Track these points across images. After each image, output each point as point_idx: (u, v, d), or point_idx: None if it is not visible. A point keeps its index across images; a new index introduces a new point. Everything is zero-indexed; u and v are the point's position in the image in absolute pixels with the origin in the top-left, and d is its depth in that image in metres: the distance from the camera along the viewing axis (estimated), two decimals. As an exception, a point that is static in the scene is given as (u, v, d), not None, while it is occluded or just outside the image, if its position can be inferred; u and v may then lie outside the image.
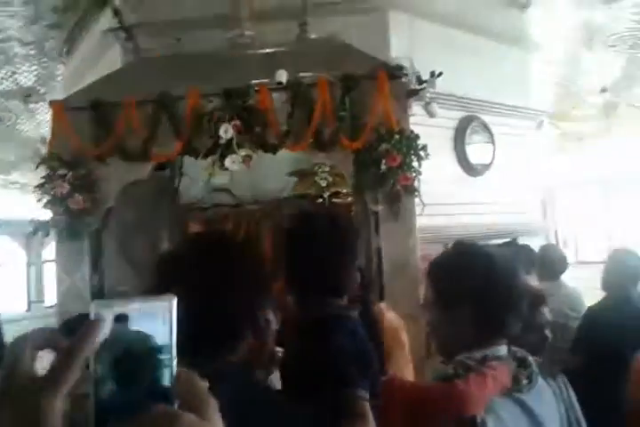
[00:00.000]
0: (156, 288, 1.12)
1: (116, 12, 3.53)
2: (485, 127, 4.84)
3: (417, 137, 3.19)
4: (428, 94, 3.27)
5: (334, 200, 6.29)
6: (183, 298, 0.50)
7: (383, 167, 3.08)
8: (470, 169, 4.65)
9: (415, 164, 3.17)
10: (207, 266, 1.11)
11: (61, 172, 3.45)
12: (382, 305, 2.56)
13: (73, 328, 0.46)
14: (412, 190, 3.14)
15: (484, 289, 1.36)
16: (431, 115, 3.37)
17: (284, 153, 3.27)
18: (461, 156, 4.63)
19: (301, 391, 1.39)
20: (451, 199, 4.26)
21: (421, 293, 2.52)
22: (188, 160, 4.97)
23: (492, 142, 4.85)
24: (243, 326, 1.15)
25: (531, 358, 1.41)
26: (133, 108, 3.29)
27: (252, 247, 1.76)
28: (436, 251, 4.20)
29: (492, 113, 4.94)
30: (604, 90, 7.79)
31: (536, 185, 5.42)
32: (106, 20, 3.94)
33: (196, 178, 5.95)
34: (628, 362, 2.80)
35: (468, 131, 4.69)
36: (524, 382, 1.34)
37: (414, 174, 3.14)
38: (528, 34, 5.73)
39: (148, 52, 3.65)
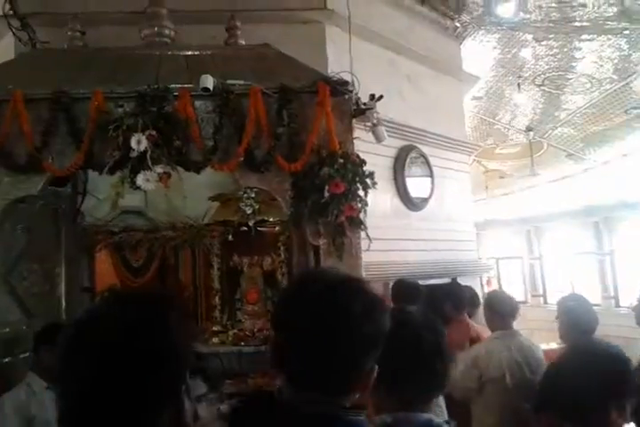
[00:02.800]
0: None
1: (9, -3, 2.92)
2: (424, 158, 4.56)
3: (363, 162, 2.77)
4: (375, 114, 2.88)
5: (260, 229, 5.82)
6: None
7: (326, 195, 2.62)
8: (409, 202, 4.32)
9: (361, 192, 2.74)
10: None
11: None
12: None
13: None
14: (357, 223, 2.69)
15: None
16: (378, 139, 2.97)
17: (207, 173, 2.75)
18: (401, 187, 4.30)
19: None
20: (390, 234, 3.89)
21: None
22: (94, 174, 4.34)
23: (431, 175, 4.56)
24: None
25: None
26: (23, 107, 2.66)
27: None
28: (375, 291, 3.81)
29: (430, 144, 4.68)
30: (529, 129, 7.85)
31: (471, 223, 5.18)
32: (-2, 6, 3.31)
33: (104, 197, 5.40)
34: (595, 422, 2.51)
35: (408, 161, 4.38)
36: None
37: (360, 205, 2.70)
38: (463, 66, 5.59)
39: (46, 44, 3.05)
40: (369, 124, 2.92)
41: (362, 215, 2.71)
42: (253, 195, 5.82)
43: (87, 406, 0.86)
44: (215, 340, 5.70)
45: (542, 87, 6.92)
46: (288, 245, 5.91)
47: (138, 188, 2.70)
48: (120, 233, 5.54)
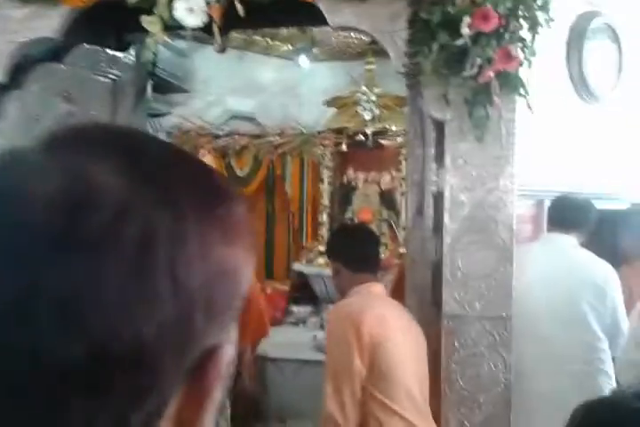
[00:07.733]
0: None
1: None
2: (612, 31, 3.25)
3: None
4: None
5: (379, 140, 5.03)
6: None
7: (465, 33, 1.53)
8: (586, 91, 3.07)
9: (526, 35, 1.61)
10: None
11: None
12: None
13: None
14: (515, 83, 1.59)
15: None
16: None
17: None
18: (575, 70, 3.05)
19: None
20: (554, 133, 2.73)
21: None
22: (206, 67, 4.15)
23: (620, 53, 3.27)
24: None
25: None
26: None
27: None
28: (525, 209, 2.75)
29: (625, 11, 3.33)
30: None
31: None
32: None
33: (217, 100, 5.18)
34: None
35: (588, 34, 3.11)
36: None
37: (524, 53, 1.58)
38: None
39: None
40: None
41: (524, 71, 1.59)
42: (374, 98, 4.97)
43: None
44: (321, 260, 5.42)
45: None
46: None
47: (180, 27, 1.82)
48: (225, 137, 5.35)
